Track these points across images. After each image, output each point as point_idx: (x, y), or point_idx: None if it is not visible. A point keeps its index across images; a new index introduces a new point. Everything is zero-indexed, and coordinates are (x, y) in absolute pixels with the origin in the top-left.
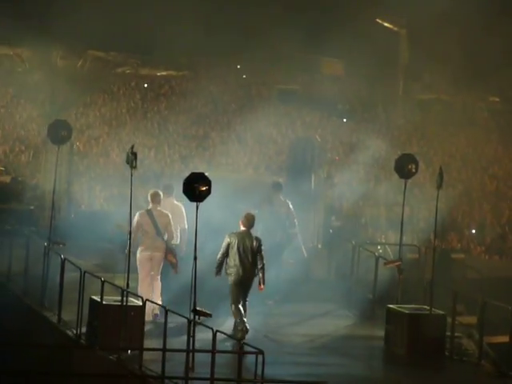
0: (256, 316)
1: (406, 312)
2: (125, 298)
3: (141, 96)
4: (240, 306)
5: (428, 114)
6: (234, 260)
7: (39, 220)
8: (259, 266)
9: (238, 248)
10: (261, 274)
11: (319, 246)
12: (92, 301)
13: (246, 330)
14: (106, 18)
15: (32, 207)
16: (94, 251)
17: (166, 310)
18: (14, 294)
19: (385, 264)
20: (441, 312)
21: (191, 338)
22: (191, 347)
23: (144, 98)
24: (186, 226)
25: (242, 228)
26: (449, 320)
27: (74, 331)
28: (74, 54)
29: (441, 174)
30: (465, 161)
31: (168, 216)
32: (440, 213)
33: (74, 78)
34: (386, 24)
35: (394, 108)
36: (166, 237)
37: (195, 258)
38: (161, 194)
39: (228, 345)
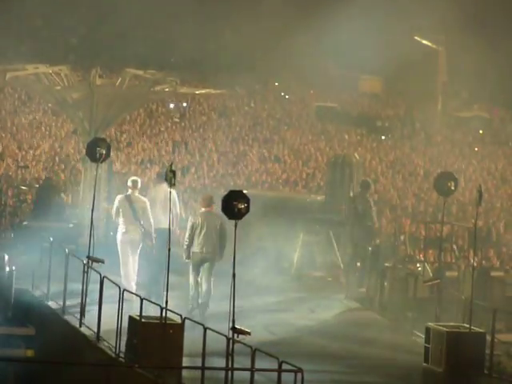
0: (296, 333)
1: (446, 330)
2: (163, 316)
3: (179, 114)
4: (198, 282)
5: (466, 131)
6: (198, 239)
7: (78, 238)
8: (221, 243)
9: (201, 228)
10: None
11: (358, 263)
12: (131, 318)
13: (198, 307)
14: (144, 37)
15: (71, 225)
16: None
17: (204, 329)
18: (53, 312)
19: (424, 282)
20: (480, 330)
21: (230, 356)
22: (230, 365)
23: (183, 116)
24: (179, 211)
25: (203, 209)
26: (488, 338)
27: (113, 349)
28: (113, 72)
29: (480, 192)
30: (503, 178)
31: (145, 202)
32: (479, 230)
33: (113, 96)
34: (424, 41)
35: (432, 125)
36: (142, 221)
37: (234, 276)
38: (139, 181)
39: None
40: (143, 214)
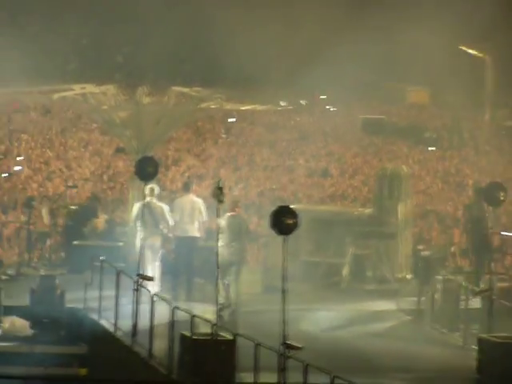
0: (347, 347)
1: (499, 341)
2: (215, 332)
3: (226, 130)
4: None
5: None
6: (223, 242)
7: (128, 256)
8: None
9: (226, 231)
10: None
11: (408, 276)
12: (182, 336)
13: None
14: (190, 55)
15: (121, 243)
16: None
17: (256, 344)
18: (105, 330)
19: (475, 294)
20: None
21: (282, 372)
22: (283, 381)
23: (229, 132)
24: (205, 219)
25: (228, 213)
26: None
27: (166, 366)
28: (159, 91)
29: None
30: None
31: (163, 207)
32: None
33: (160, 114)
34: (470, 51)
35: (480, 135)
36: (161, 226)
37: (284, 291)
38: (156, 188)
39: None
40: (162, 219)
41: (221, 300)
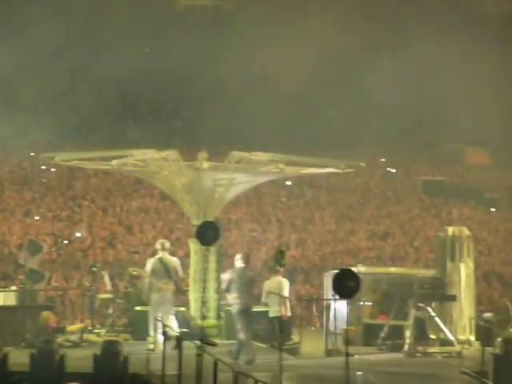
0: None
1: None
2: None
3: (286, 193)
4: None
5: None
6: (234, 293)
7: (190, 321)
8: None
9: (236, 282)
10: None
11: (471, 338)
12: None
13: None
14: (247, 119)
15: (183, 308)
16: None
17: None
18: None
19: None
20: None
21: None
22: None
23: (289, 195)
24: (287, 294)
25: (239, 265)
26: None
27: None
28: (218, 156)
29: None
30: None
31: (176, 261)
32: None
33: (220, 179)
34: None
35: None
36: (175, 278)
37: (347, 354)
38: (167, 242)
39: None
40: (176, 273)
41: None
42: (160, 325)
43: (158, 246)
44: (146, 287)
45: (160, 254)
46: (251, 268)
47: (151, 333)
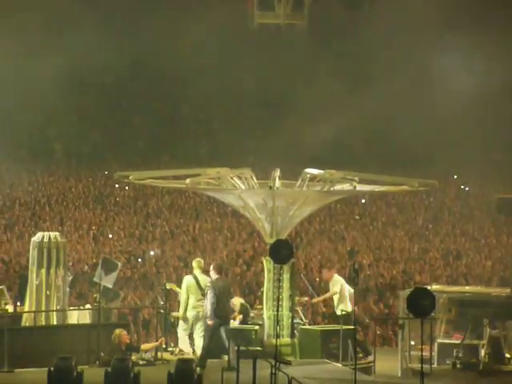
0: None
1: None
2: None
3: (359, 211)
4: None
5: None
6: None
7: (263, 339)
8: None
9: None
10: None
11: None
12: None
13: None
14: (320, 137)
15: (256, 327)
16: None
17: None
18: None
19: None
20: None
21: None
22: None
23: (363, 213)
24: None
25: (215, 276)
26: None
27: None
28: (292, 174)
29: None
30: None
31: (207, 280)
32: None
33: (293, 197)
34: None
35: None
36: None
37: (422, 374)
38: (202, 261)
39: None
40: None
41: None
42: (195, 342)
43: (194, 264)
44: (182, 304)
45: (195, 272)
46: (224, 279)
47: (183, 347)
